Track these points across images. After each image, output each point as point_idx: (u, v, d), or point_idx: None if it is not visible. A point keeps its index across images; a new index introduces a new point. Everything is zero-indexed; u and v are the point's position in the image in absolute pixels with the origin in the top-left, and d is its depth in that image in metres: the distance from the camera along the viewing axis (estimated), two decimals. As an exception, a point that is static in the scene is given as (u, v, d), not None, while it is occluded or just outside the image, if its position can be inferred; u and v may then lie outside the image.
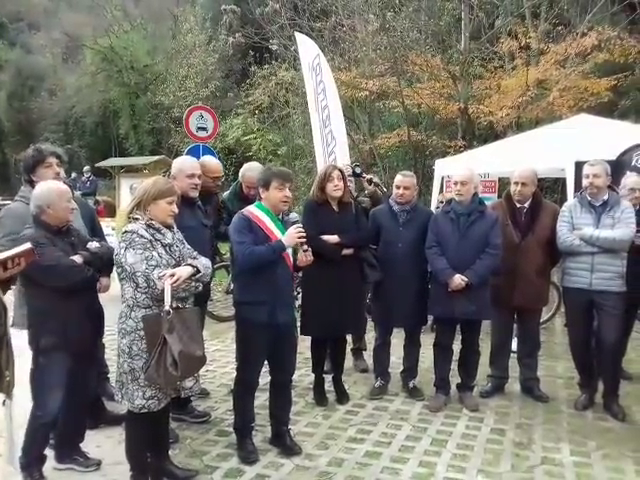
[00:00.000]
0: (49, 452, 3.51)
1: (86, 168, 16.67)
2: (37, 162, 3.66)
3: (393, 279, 4.46)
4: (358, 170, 4.98)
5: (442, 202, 5.87)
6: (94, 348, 3.61)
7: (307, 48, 7.57)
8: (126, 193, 10.01)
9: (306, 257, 3.63)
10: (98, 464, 3.55)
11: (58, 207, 3.23)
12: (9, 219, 3.57)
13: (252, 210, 3.60)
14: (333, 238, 4.25)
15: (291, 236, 3.49)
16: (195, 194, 4.04)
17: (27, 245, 2.77)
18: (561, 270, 4.53)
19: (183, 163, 4.12)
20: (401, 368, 4.89)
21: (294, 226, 3.54)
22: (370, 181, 4.89)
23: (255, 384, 3.71)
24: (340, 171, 4.37)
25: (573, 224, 4.31)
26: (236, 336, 3.79)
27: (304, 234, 3.51)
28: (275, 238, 3.52)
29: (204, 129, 8.76)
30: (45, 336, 3.21)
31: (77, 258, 3.25)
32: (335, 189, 4.30)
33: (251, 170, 4.62)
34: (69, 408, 3.49)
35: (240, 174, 4.71)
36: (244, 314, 3.61)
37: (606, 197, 4.26)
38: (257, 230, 3.51)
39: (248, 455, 3.65)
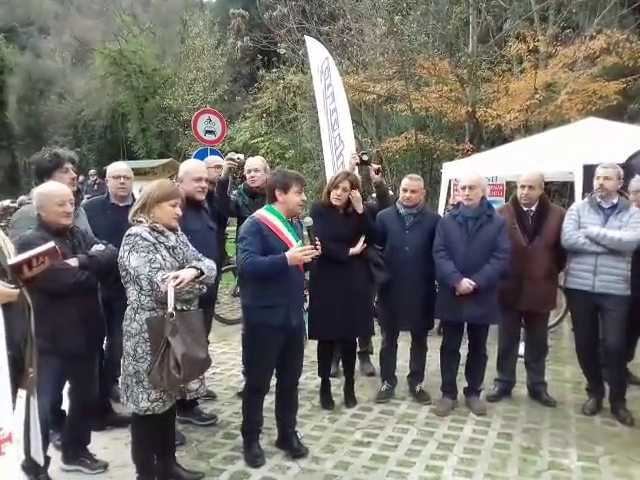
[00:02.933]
0: (56, 454, 3.54)
1: (92, 171, 16.70)
2: (55, 167, 3.69)
3: (400, 283, 4.45)
4: (366, 158, 4.89)
5: (453, 205, 5.83)
6: (95, 352, 3.57)
7: (316, 51, 7.57)
8: (135, 195, 10.07)
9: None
10: (105, 466, 3.56)
11: (48, 210, 3.22)
12: (23, 221, 3.60)
13: (265, 215, 3.55)
14: (355, 250, 4.31)
15: (295, 258, 3.40)
16: (201, 197, 4.06)
17: (50, 244, 2.82)
18: (565, 271, 4.51)
19: (190, 166, 4.16)
20: (408, 372, 4.88)
21: (302, 248, 3.43)
22: (378, 171, 4.84)
23: (266, 389, 3.70)
24: (351, 181, 4.35)
25: (580, 224, 4.30)
26: (245, 341, 3.76)
27: (311, 256, 3.45)
28: (290, 244, 3.50)
29: (212, 132, 8.78)
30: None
31: (72, 261, 3.20)
32: (336, 198, 4.31)
33: (252, 159, 4.82)
34: (72, 410, 3.51)
35: (245, 168, 4.76)
36: (257, 318, 3.54)
37: (615, 201, 4.23)
38: (270, 236, 3.48)
39: (254, 459, 3.64)
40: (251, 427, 3.72)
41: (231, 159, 4.44)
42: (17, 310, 2.55)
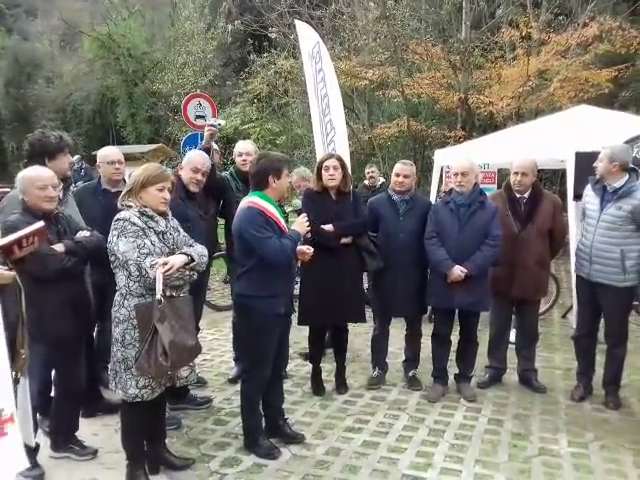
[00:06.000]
0: (45, 441, 3.51)
1: (76, 157, 16.46)
2: (60, 150, 3.67)
3: (394, 269, 4.43)
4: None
5: (445, 192, 5.81)
6: (82, 339, 3.53)
7: (307, 36, 7.48)
8: (126, 180, 9.99)
9: (308, 249, 3.58)
10: (94, 453, 3.54)
11: (30, 194, 3.17)
12: (11, 206, 3.54)
13: (260, 203, 3.42)
14: (328, 227, 4.22)
15: (302, 225, 3.49)
16: (194, 189, 4.07)
17: (40, 223, 2.79)
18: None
19: (193, 156, 4.17)
20: (399, 358, 4.88)
21: (302, 215, 3.56)
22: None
23: (268, 379, 3.61)
24: (339, 160, 4.32)
25: (585, 203, 4.31)
26: (248, 334, 3.56)
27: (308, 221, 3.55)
28: (285, 229, 3.47)
29: (202, 117, 8.68)
30: None
31: (59, 247, 3.17)
32: (330, 179, 4.26)
33: (241, 143, 4.76)
34: (58, 397, 3.48)
35: (234, 152, 4.70)
36: (263, 308, 3.41)
37: (618, 184, 4.06)
38: (272, 224, 3.41)
39: (271, 451, 3.56)
40: (256, 423, 3.64)
41: (212, 125, 4.36)
42: (11, 292, 2.55)
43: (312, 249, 3.60)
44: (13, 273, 2.52)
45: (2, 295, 2.45)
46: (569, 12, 12.98)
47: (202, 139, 7.65)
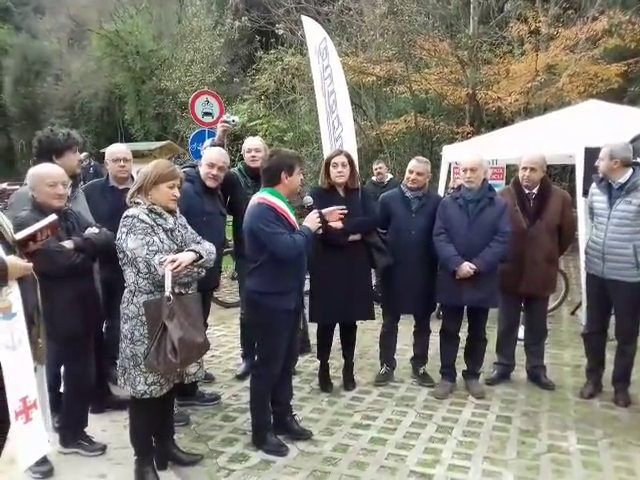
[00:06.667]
0: (54, 436, 3.52)
1: (84, 155, 16.50)
2: (68, 147, 3.70)
3: (404, 266, 4.41)
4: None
5: (453, 188, 5.77)
6: (91, 335, 3.54)
7: (314, 32, 7.46)
8: (134, 177, 10.01)
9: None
10: (103, 448, 3.56)
11: (40, 191, 3.20)
12: (20, 203, 3.56)
13: (271, 199, 3.42)
14: (337, 224, 4.19)
15: (313, 221, 3.51)
16: (210, 184, 4.09)
17: (53, 216, 2.82)
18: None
19: (210, 151, 4.19)
20: (406, 355, 4.87)
21: (313, 211, 3.57)
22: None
23: (278, 376, 3.62)
24: (347, 157, 4.30)
25: (591, 202, 4.29)
26: (259, 330, 3.58)
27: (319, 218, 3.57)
28: (296, 226, 3.48)
29: (210, 114, 8.68)
30: None
31: (67, 243, 3.20)
32: (338, 175, 4.24)
33: (250, 139, 4.74)
34: (68, 393, 3.50)
35: (243, 149, 4.69)
36: (274, 304, 3.43)
37: (623, 180, 4.07)
38: (283, 220, 3.41)
39: (280, 448, 3.56)
40: (265, 420, 3.64)
41: (225, 121, 4.35)
42: (27, 284, 2.58)
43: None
44: (31, 264, 2.56)
45: (21, 286, 2.48)
46: (578, 6, 12.86)
47: (209, 136, 7.70)
